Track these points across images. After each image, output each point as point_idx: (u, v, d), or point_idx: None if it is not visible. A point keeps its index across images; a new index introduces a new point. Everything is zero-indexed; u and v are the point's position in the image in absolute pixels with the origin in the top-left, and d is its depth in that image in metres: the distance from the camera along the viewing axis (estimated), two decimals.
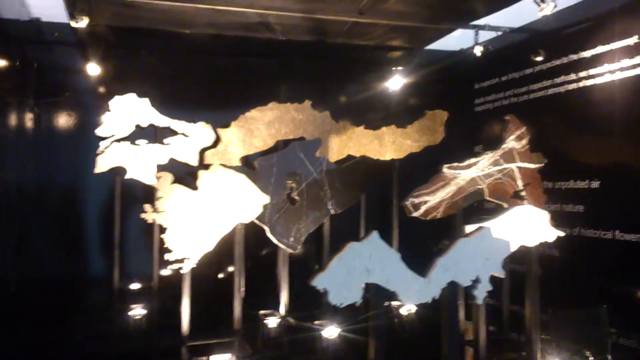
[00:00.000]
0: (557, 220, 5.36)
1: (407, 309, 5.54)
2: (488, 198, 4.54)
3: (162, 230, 4.36)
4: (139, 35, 5.94)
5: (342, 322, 4.94)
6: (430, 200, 4.36)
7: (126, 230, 5.84)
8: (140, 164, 5.36)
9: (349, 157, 5.69)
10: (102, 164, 5.30)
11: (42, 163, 5.87)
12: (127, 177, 5.34)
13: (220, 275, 6.58)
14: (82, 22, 4.86)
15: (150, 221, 4.45)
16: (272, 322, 5.19)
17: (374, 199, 6.39)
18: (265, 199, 4.65)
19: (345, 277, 2.84)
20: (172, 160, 5.28)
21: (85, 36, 5.77)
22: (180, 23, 5.72)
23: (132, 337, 5.27)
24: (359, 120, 5.89)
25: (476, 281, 3.17)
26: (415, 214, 4.33)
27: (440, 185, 4.41)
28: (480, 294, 3.18)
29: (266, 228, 5.03)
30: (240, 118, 5.40)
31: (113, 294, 5.65)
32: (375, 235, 2.93)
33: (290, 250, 5.19)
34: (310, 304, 5.45)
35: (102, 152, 5.32)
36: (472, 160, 4.52)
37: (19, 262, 5.45)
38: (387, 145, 5.91)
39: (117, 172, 5.43)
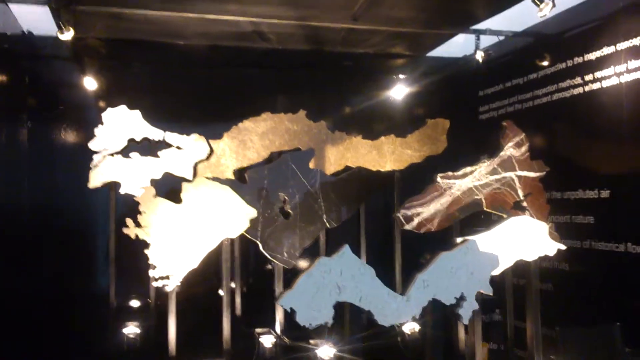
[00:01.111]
0: (567, 232, 5.11)
1: (410, 327, 5.29)
2: (486, 209, 4.29)
3: (146, 246, 4.22)
4: (131, 47, 5.87)
5: (338, 341, 4.72)
6: (424, 212, 4.13)
7: (122, 246, 5.70)
8: (134, 178, 5.26)
9: (347, 169, 5.50)
10: (96, 179, 5.21)
11: (36, 178, 5.78)
12: (121, 191, 5.24)
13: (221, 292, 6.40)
14: (68, 34, 4.78)
15: (132, 236, 4.29)
16: (267, 340, 5.00)
17: (376, 211, 6.19)
18: (253, 212, 4.47)
19: (314, 295, 2.64)
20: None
21: (77, 49, 5.72)
22: (172, 34, 5.63)
23: (123, 355, 5.13)
24: (360, 131, 5.72)
25: (461, 299, 2.93)
26: (407, 227, 4.11)
27: (434, 195, 4.18)
28: (466, 312, 2.93)
29: (258, 243, 4.86)
30: (233, 129, 5.26)
31: (109, 311, 5.54)
32: (346, 249, 2.73)
33: (284, 266, 4.99)
34: None
35: (96, 166, 5.23)
36: (468, 169, 4.29)
37: (14, 279, 5.34)
38: (387, 155, 5.71)
39: (112, 186, 5.34)
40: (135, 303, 5.83)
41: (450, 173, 4.24)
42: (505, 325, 5.03)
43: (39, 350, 5.39)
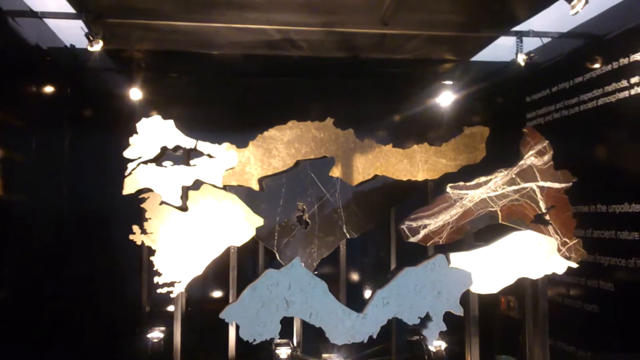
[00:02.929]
0: (612, 248, 4.66)
1: (436, 345, 5.01)
2: (502, 222, 3.95)
3: (151, 252, 4.27)
4: (165, 58, 6.00)
5: (351, 355, 4.55)
6: (431, 224, 3.87)
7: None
8: (167, 185, 5.37)
9: (376, 178, 5.32)
10: (130, 186, 5.37)
11: (75, 184, 6.03)
12: None
13: None
14: (97, 46, 4.97)
15: (138, 243, 4.36)
16: (283, 352, 4.91)
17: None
18: (260, 220, 4.41)
19: (259, 309, 2.53)
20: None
21: (118, 61, 5.95)
22: (204, 44, 5.70)
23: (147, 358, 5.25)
24: (399, 140, 5.53)
25: (426, 319, 2.70)
26: (412, 240, 3.84)
27: (443, 207, 3.91)
28: (432, 334, 2.70)
29: (275, 252, 4.79)
30: (259, 137, 5.24)
31: (140, 316, 5.68)
32: (296, 261, 2.59)
33: None
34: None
35: (130, 174, 5.39)
36: (482, 179, 3.98)
37: (50, 281, 5.60)
38: (419, 164, 5.46)
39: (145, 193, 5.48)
40: (165, 309, 5.94)
41: (461, 183, 3.96)
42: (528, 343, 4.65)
43: (68, 351, 5.58)
